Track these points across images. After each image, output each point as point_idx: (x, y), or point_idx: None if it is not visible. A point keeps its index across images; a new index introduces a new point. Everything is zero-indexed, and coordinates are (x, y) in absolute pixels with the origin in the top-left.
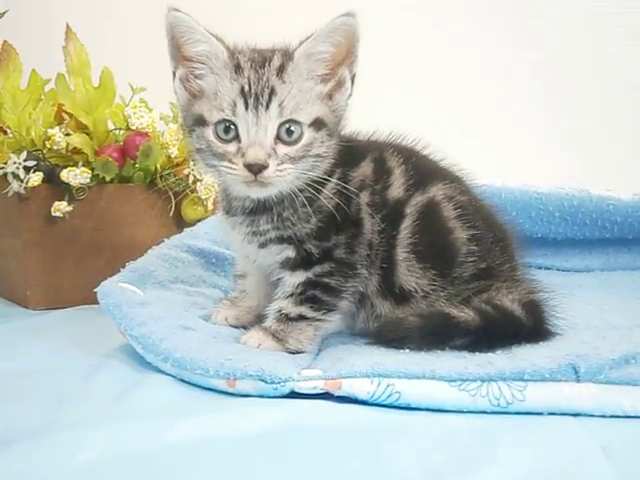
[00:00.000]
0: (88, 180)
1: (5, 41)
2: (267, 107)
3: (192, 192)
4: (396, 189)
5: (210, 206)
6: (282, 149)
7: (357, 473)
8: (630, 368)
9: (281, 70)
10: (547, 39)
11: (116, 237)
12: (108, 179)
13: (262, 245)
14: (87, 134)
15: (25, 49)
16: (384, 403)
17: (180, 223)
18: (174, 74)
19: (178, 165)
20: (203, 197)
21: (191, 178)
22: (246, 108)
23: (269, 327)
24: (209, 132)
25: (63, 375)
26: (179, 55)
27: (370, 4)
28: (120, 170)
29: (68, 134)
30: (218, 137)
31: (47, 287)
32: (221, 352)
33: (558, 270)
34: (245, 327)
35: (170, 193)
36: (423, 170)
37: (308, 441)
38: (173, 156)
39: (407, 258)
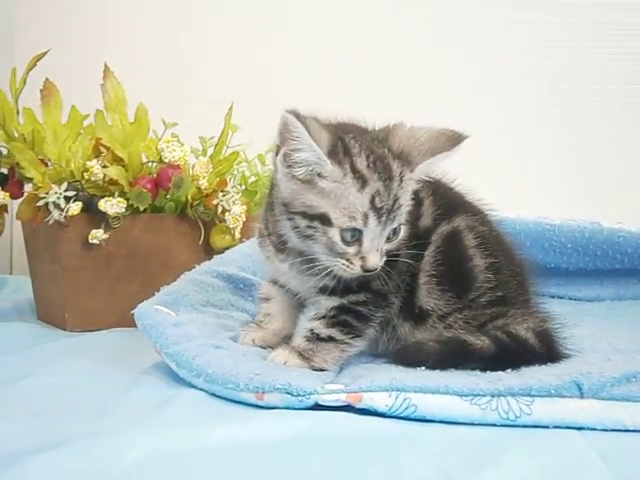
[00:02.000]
0: (124, 209)
1: (47, 79)
2: (394, 219)
3: (220, 222)
4: (426, 219)
5: (237, 235)
6: (386, 246)
7: (375, 476)
8: (631, 386)
9: (401, 179)
10: (558, 69)
11: (149, 264)
12: (142, 209)
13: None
14: (123, 166)
15: (66, 86)
16: (401, 415)
17: (208, 251)
18: (279, 147)
19: (207, 196)
20: (231, 226)
21: (220, 208)
22: (378, 222)
23: (297, 346)
24: (335, 233)
25: (103, 389)
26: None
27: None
28: (153, 200)
29: (105, 166)
30: (343, 240)
31: (84, 310)
32: (250, 368)
33: (570, 299)
34: (272, 347)
35: (199, 222)
36: (450, 202)
37: (331, 447)
38: (203, 187)
39: (428, 282)
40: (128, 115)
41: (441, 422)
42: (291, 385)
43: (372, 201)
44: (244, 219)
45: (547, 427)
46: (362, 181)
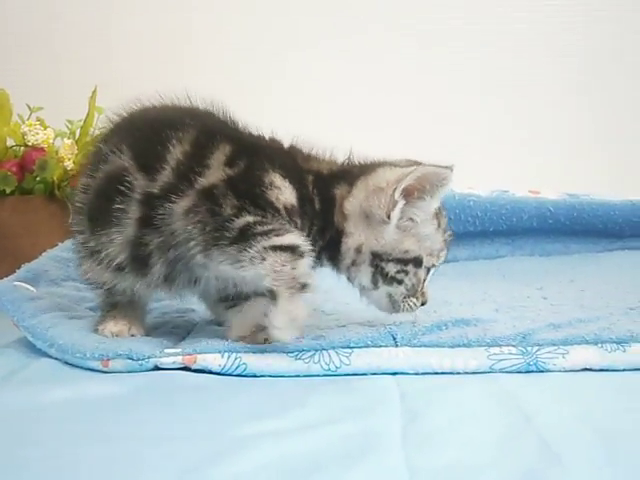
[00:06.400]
0: None
1: None
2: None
3: None
4: None
5: None
6: None
7: (196, 418)
8: (441, 334)
9: None
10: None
11: (18, 245)
12: (8, 191)
13: None
14: None
15: None
16: (234, 373)
17: None
18: (395, 202)
19: (74, 177)
20: None
21: None
22: (445, 255)
23: None
24: (422, 273)
25: None
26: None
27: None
28: (20, 183)
29: None
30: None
31: None
32: (97, 338)
33: None
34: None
35: (68, 203)
36: None
37: (165, 397)
38: (69, 169)
39: None
40: None
41: (270, 376)
42: (132, 350)
43: (445, 241)
44: None
45: (365, 374)
46: (437, 219)
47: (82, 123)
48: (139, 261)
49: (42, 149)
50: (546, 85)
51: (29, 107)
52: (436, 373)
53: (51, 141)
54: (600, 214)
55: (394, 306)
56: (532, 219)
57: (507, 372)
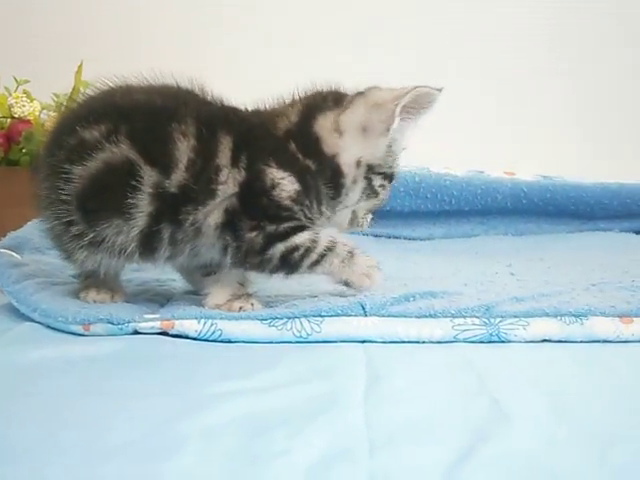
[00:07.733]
0: None
1: None
2: None
3: None
4: None
5: None
6: None
7: (169, 374)
8: (409, 304)
9: None
10: None
11: (4, 214)
12: None
13: None
14: None
15: None
16: (210, 339)
17: None
18: (395, 117)
19: None
20: None
21: None
22: None
23: None
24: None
25: None
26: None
27: None
28: (6, 154)
29: None
30: None
31: None
32: (79, 303)
33: (405, 239)
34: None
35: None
36: None
37: (143, 356)
38: None
39: None
40: None
41: (244, 342)
42: (112, 315)
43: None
44: None
45: (335, 342)
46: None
47: (68, 97)
48: (149, 248)
49: (28, 121)
50: (528, 69)
51: (16, 79)
52: (402, 342)
53: (37, 114)
54: (572, 196)
55: (353, 222)
56: (506, 199)
57: (470, 342)
